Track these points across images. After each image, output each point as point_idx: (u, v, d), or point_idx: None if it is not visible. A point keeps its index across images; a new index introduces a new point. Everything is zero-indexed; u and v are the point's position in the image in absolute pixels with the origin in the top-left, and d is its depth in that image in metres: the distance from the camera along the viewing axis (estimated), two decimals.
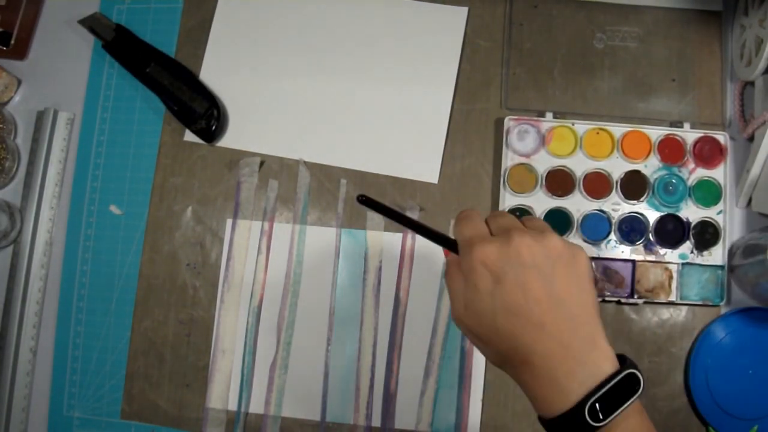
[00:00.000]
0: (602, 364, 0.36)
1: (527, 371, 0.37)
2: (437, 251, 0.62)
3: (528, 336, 0.37)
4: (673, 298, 0.60)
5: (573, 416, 0.35)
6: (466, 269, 0.39)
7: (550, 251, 0.39)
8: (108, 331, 0.65)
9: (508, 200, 0.62)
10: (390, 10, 0.67)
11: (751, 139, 0.61)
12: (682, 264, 0.61)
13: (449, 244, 0.41)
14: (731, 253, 0.61)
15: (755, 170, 0.59)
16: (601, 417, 0.35)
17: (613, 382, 0.35)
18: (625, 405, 0.35)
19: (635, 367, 0.37)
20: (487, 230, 0.40)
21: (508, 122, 0.63)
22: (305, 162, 0.65)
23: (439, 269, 0.62)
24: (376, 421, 0.61)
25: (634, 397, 0.36)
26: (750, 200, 0.61)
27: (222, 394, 0.63)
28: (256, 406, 0.62)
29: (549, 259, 0.38)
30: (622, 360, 0.37)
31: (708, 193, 0.61)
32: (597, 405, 0.35)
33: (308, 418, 0.62)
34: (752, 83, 0.62)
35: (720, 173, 0.62)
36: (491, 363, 0.41)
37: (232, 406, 0.62)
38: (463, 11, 0.66)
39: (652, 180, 0.62)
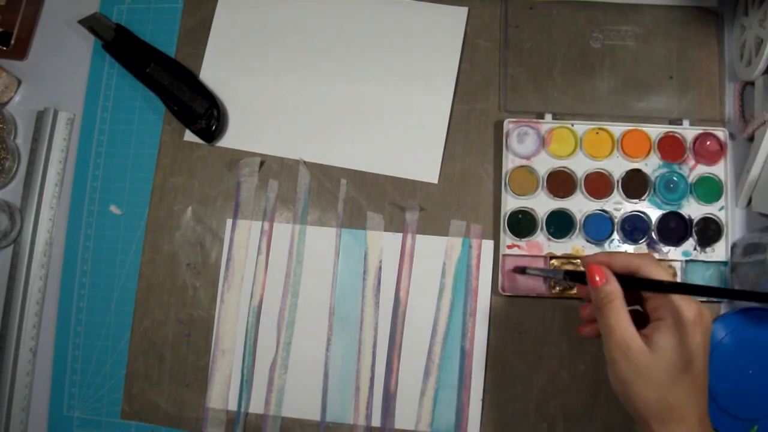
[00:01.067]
0: None
1: (679, 428, 0.42)
2: (437, 251, 0.62)
3: (695, 396, 0.43)
4: None
5: None
6: (687, 320, 0.42)
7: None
8: (108, 331, 0.65)
9: (510, 203, 0.62)
10: (390, 10, 0.67)
11: (751, 139, 0.61)
12: (686, 261, 0.61)
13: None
14: (732, 253, 0.61)
15: (755, 170, 0.59)
16: None
17: None
18: None
19: None
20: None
21: (508, 125, 0.63)
22: (305, 162, 0.65)
23: (438, 269, 0.62)
24: (376, 421, 0.61)
25: None
26: (750, 200, 0.61)
27: (222, 394, 0.63)
28: (256, 406, 0.62)
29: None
30: None
31: (709, 190, 0.61)
32: None
33: (308, 418, 0.62)
34: (752, 83, 0.62)
35: (720, 169, 0.62)
36: (636, 411, 0.43)
37: (232, 406, 0.62)
38: (463, 11, 0.66)
39: (653, 178, 0.62)
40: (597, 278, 0.44)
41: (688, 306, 0.42)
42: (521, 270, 0.59)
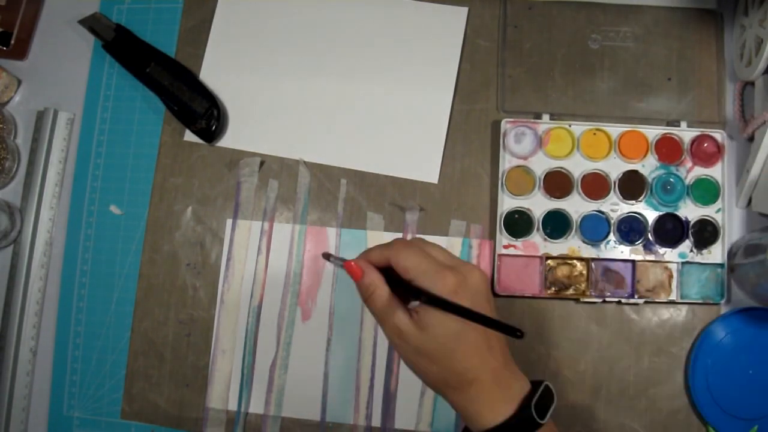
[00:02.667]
0: (524, 379, 0.44)
1: (471, 390, 0.43)
2: None
3: (483, 355, 0.43)
4: (673, 297, 0.60)
5: (519, 420, 0.42)
6: (444, 294, 0.42)
7: (487, 282, 0.45)
8: (108, 331, 0.65)
9: (507, 203, 0.62)
10: (390, 10, 0.67)
11: (751, 139, 0.61)
12: (682, 263, 0.61)
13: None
14: (731, 254, 0.61)
15: (755, 170, 0.59)
16: (537, 419, 0.42)
17: (541, 388, 0.43)
18: (553, 406, 0.44)
19: (547, 382, 0.44)
20: (434, 259, 0.44)
21: (505, 125, 0.63)
22: (305, 162, 0.65)
23: None
24: (376, 421, 0.61)
25: (555, 402, 0.44)
26: (750, 200, 0.61)
27: (222, 394, 0.63)
28: (256, 406, 0.62)
29: (486, 285, 0.44)
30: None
31: (706, 192, 0.62)
32: (533, 410, 0.42)
33: (308, 418, 0.62)
34: (752, 83, 0.62)
35: (718, 171, 0.62)
36: (428, 383, 0.45)
37: (232, 406, 0.62)
38: (463, 11, 0.66)
39: (650, 179, 0.62)
40: (354, 273, 0.45)
41: (442, 283, 0.42)
42: (326, 256, 0.55)
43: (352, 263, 0.45)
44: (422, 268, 0.43)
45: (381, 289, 0.44)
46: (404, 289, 0.44)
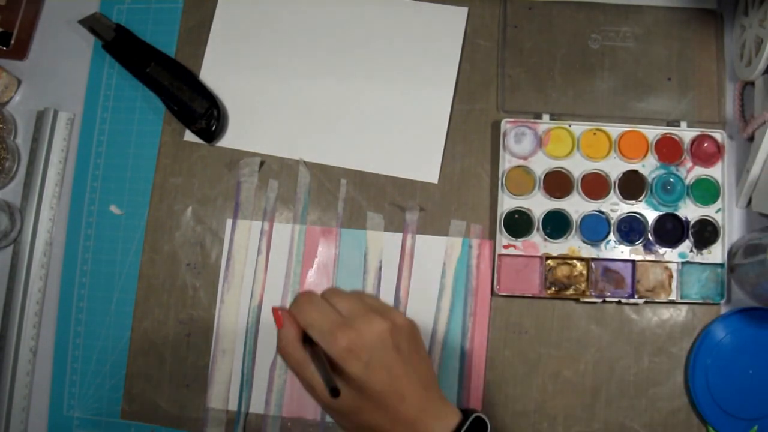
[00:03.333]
0: (453, 415, 0.44)
1: None
2: (437, 251, 0.62)
3: (392, 409, 0.42)
4: (673, 297, 0.60)
5: None
6: (335, 356, 0.41)
7: (400, 329, 0.44)
8: (108, 331, 0.65)
9: (507, 203, 0.62)
10: (390, 10, 0.67)
11: (751, 139, 0.61)
12: (682, 263, 0.61)
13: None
14: (731, 254, 0.61)
15: (755, 170, 0.59)
16: None
17: (468, 422, 0.43)
18: None
19: (479, 413, 0.44)
20: (337, 314, 0.43)
21: (505, 125, 0.63)
22: (305, 162, 0.65)
23: (438, 269, 0.62)
24: None
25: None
26: (750, 200, 0.61)
27: (222, 394, 0.63)
28: (256, 406, 0.62)
29: (401, 336, 0.43)
30: (465, 412, 0.44)
31: (706, 192, 0.62)
32: None
33: (308, 418, 0.62)
34: (752, 83, 0.62)
35: (718, 171, 0.62)
36: None
37: (232, 406, 0.62)
38: (463, 11, 0.66)
39: (650, 179, 0.62)
40: (276, 320, 0.45)
41: (332, 344, 0.41)
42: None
43: (278, 311, 0.45)
44: (320, 325, 0.42)
45: (295, 344, 0.43)
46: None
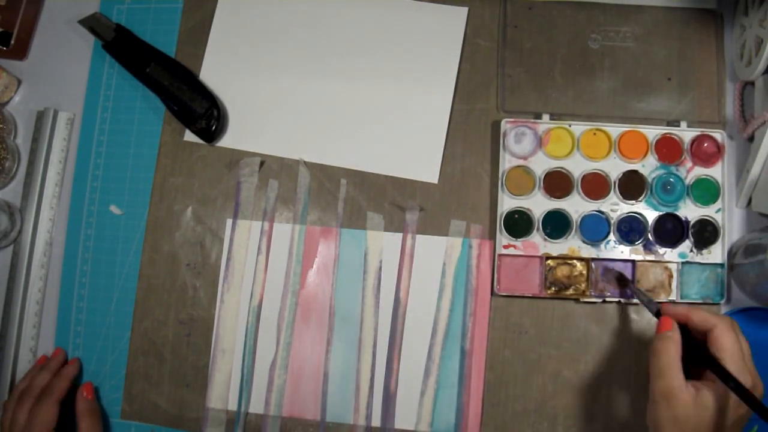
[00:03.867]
0: None
1: None
2: (437, 251, 0.62)
3: None
4: (673, 297, 0.60)
5: None
6: (744, 383, 0.43)
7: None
8: (108, 331, 0.65)
9: (507, 203, 0.62)
10: (390, 10, 0.67)
11: (751, 139, 0.61)
12: (682, 263, 0.61)
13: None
14: (731, 254, 0.61)
15: (755, 170, 0.59)
16: None
17: None
18: None
19: None
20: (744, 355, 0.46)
21: (505, 125, 0.63)
22: (305, 162, 0.65)
23: (438, 269, 0.62)
24: (376, 421, 0.61)
25: None
26: (750, 200, 0.61)
27: (222, 394, 0.63)
28: (256, 406, 0.62)
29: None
30: None
31: (706, 192, 0.62)
32: None
33: (308, 418, 0.62)
34: (752, 83, 0.62)
35: (718, 171, 0.62)
36: None
37: (232, 406, 0.62)
38: (463, 11, 0.66)
39: (650, 179, 0.62)
40: (665, 325, 0.47)
41: (745, 380, 0.43)
42: (621, 280, 0.61)
43: (669, 319, 0.48)
44: (737, 356, 0.45)
45: (676, 348, 0.46)
46: (692, 358, 0.46)
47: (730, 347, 0.45)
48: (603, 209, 0.62)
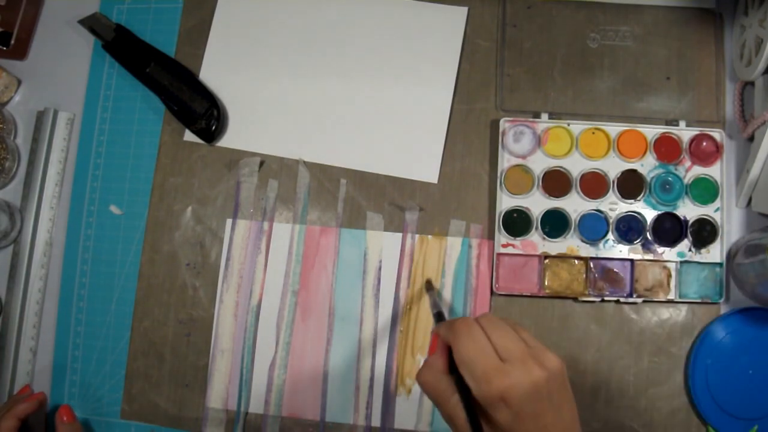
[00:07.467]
0: None
1: None
2: (437, 251, 0.62)
3: None
4: (672, 296, 0.60)
5: None
6: (483, 401, 0.39)
7: (555, 377, 0.40)
8: (108, 331, 0.65)
9: (505, 202, 0.62)
10: (390, 10, 0.67)
11: (751, 139, 0.61)
12: (681, 262, 0.61)
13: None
14: (731, 254, 0.61)
15: (755, 170, 0.59)
16: None
17: None
18: None
19: None
20: (494, 353, 0.40)
21: (504, 124, 0.63)
22: (305, 162, 0.65)
23: (438, 269, 0.62)
24: (376, 421, 0.61)
25: None
26: (750, 200, 0.61)
27: (222, 393, 0.63)
28: (255, 406, 0.62)
29: (554, 385, 0.40)
30: None
31: (705, 191, 0.62)
32: None
33: (308, 418, 0.62)
34: (752, 83, 0.62)
35: (717, 171, 0.62)
36: None
37: (232, 405, 0.62)
38: (463, 11, 0.66)
39: (648, 179, 0.62)
40: (430, 346, 0.43)
41: (485, 389, 0.39)
42: (429, 287, 0.61)
43: (438, 336, 0.43)
44: (474, 365, 0.40)
45: (438, 374, 0.42)
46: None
47: (466, 355, 0.40)
48: (602, 208, 0.62)
